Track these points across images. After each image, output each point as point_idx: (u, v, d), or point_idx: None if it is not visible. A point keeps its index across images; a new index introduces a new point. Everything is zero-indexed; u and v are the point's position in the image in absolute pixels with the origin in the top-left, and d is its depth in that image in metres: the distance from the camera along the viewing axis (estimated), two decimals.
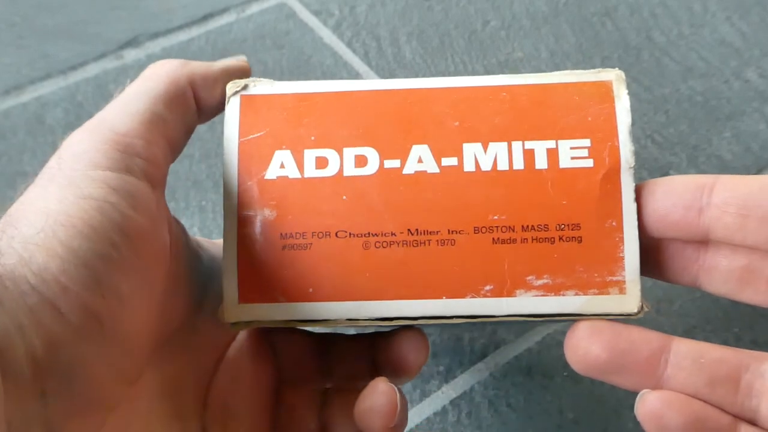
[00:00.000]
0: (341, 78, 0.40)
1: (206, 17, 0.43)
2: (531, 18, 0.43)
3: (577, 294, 0.20)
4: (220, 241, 0.25)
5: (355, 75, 0.40)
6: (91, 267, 0.16)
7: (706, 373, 0.19)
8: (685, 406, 0.19)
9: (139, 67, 0.40)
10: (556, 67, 0.40)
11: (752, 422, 0.19)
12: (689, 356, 0.19)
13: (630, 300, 0.20)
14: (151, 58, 0.40)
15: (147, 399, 0.18)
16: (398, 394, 0.19)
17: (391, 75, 0.40)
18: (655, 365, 0.19)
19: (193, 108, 0.21)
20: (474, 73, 0.40)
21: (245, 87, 0.21)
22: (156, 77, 0.20)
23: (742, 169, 0.35)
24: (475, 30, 0.42)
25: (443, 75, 0.40)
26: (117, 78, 0.40)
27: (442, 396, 0.28)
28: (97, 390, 0.16)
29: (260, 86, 0.21)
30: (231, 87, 0.21)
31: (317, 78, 0.40)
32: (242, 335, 0.22)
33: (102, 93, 0.39)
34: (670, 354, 0.19)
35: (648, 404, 0.19)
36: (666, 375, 0.19)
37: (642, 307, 0.20)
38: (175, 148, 0.20)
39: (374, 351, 0.22)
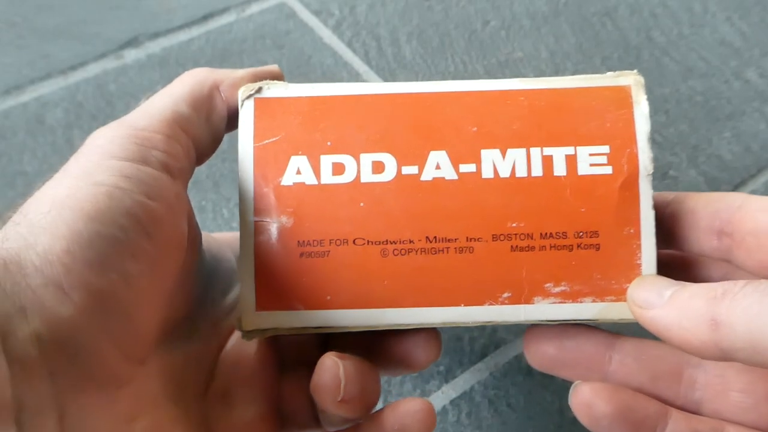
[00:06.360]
0: (341, 78, 0.40)
1: (206, 17, 0.43)
2: (531, 18, 0.43)
3: (594, 301, 0.20)
4: (217, 235, 0.24)
5: (355, 75, 0.40)
6: (96, 248, 0.16)
7: (648, 369, 0.20)
8: (614, 395, 0.20)
9: (139, 67, 0.40)
10: (556, 67, 0.40)
11: (696, 413, 0.20)
12: (632, 353, 0.21)
13: None
14: (151, 58, 0.40)
15: (155, 381, 0.18)
16: (343, 369, 0.19)
17: (391, 75, 0.40)
18: (599, 361, 0.21)
19: (220, 110, 0.21)
20: (474, 72, 0.40)
21: (259, 90, 0.21)
22: (181, 82, 0.21)
23: (742, 169, 0.35)
24: (475, 30, 0.42)
25: (443, 75, 0.40)
26: (117, 78, 0.40)
27: (442, 396, 0.28)
28: (105, 368, 0.16)
29: (274, 89, 0.21)
30: (244, 90, 0.21)
31: (317, 78, 0.40)
32: None
33: (102, 93, 0.39)
34: (614, 351, 0.21)
35: (579, 395, 0.20)
36: (611, 370, 0.21)
37: None
38: (200, 147, 0.20)
39: (378, 340, 0.22)
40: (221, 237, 0.24)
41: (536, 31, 0.42)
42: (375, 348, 0.22)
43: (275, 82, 0.21)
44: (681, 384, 0.20)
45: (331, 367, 0.19)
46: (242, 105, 0.20)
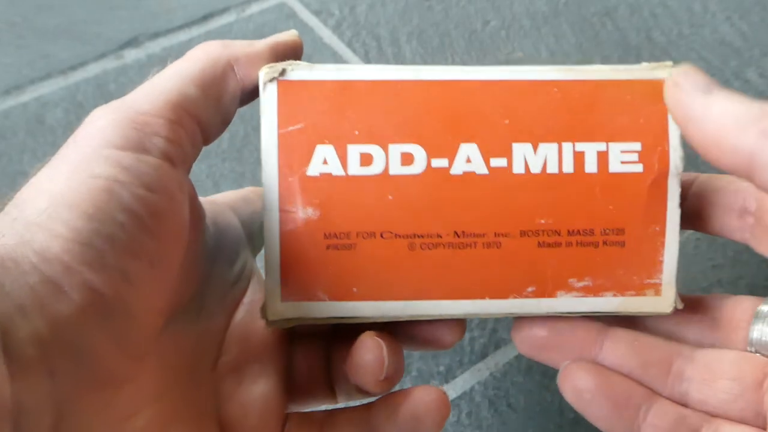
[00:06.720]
0: None
1: (206, 17, 0.43)
2: (531, 18, 0.43)
3: (615, 295, 0.20)
4: (220, 196, 0.23)
5: None
6: (95, 247, 0.15)
7: (639, 356, 0.20)
8: (598, 371, 0.20)
9: (139, 67, 0.40)
10: None
11: (683, 405, 0.20)
12: (624, 339, 0.21)
13: (664, 301, 0.20)
14: (151, 58, 0.40)
15: (157, 372, 0.18)
16: (385, 349, 0.19)
17: None
18: (590, 345, 0.21)
19: (233, 91, 0.20)
20: None
21: (282, 72, 0.19)
22: (193, 58, 0.19)
23: None
24: (475, 30, 0.42)
25: None
26: (117, 78, 0.40)
27: None
28: (105, 368, 0.16)
29: (298, 71, 0.20)
30: (267, 72, 0.19)
31: None
32: (251, 296, 0.22)
33: (102, 93, 0.39)
34: (606, 337, 0.21)
35: (565, 371, 0.21)
36: (602, 355, 0.21)
37: (675, 307, 0.20)
38: (207, 130, 0.19)
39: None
40: (224, 198, 0.23)
41: (536, 31, 0.42)
42: (399, 327, 0.21)
43: (299, 63, 0.20)
44: (669, 374, 0.20)
45: (375, 347, 0.19)
46: (264, 88, 0.19)
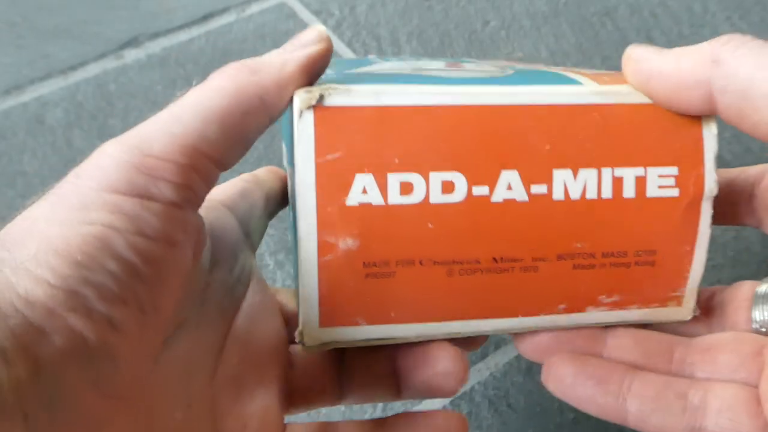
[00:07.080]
0: None
1: (206, 17, 0.43)
2: (531, 18, 0.43)
3: (639, 308, 0.21)
4: (213, 192, 0.23)
5: None
6: (80, 294, 0.15)
7: (642, 346, 0.21)
8: (576, 356, 0.21)
9: (140, 67, 0.40)
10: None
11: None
12: (626, 334, 0.21)
13: (685, 310, 0.21)
14: (151, 58, 0.40)
15: (148, 404, 0.18)
16: (465, 357, 0.20)
17: None
18: (593, 342, 0.21)
19: (258, 124, 0.19)
20: None
21: (320, 98, 0.18)
22: (218, 89, 0.18)
23: None
24: (475, 30, 0.42)
25: None
26: (117, 78, 0.40)
27: None
28: (83, 410, 0.15)
29: (335, 96, 0.19)
30: (304, 99, 0.18)
31: None
32: (251, 299, 0.21)
33: (102, 93, 0.39)
34: (608, 334, 0.22)
35: (545, 367, 0.21)
36: (606, 351, 0.21)
37: (694, 314, 0.21)
38: (225, 164, 0.19)
39: None
40: (219, 195, 0.22)
41: (536, 31, 0.42)
42: None
43: (336, 87, 0.19)
44: (672, 362, 0.21)
45: (455, 357, 0.20)
46: (300, 116, 0.19)
